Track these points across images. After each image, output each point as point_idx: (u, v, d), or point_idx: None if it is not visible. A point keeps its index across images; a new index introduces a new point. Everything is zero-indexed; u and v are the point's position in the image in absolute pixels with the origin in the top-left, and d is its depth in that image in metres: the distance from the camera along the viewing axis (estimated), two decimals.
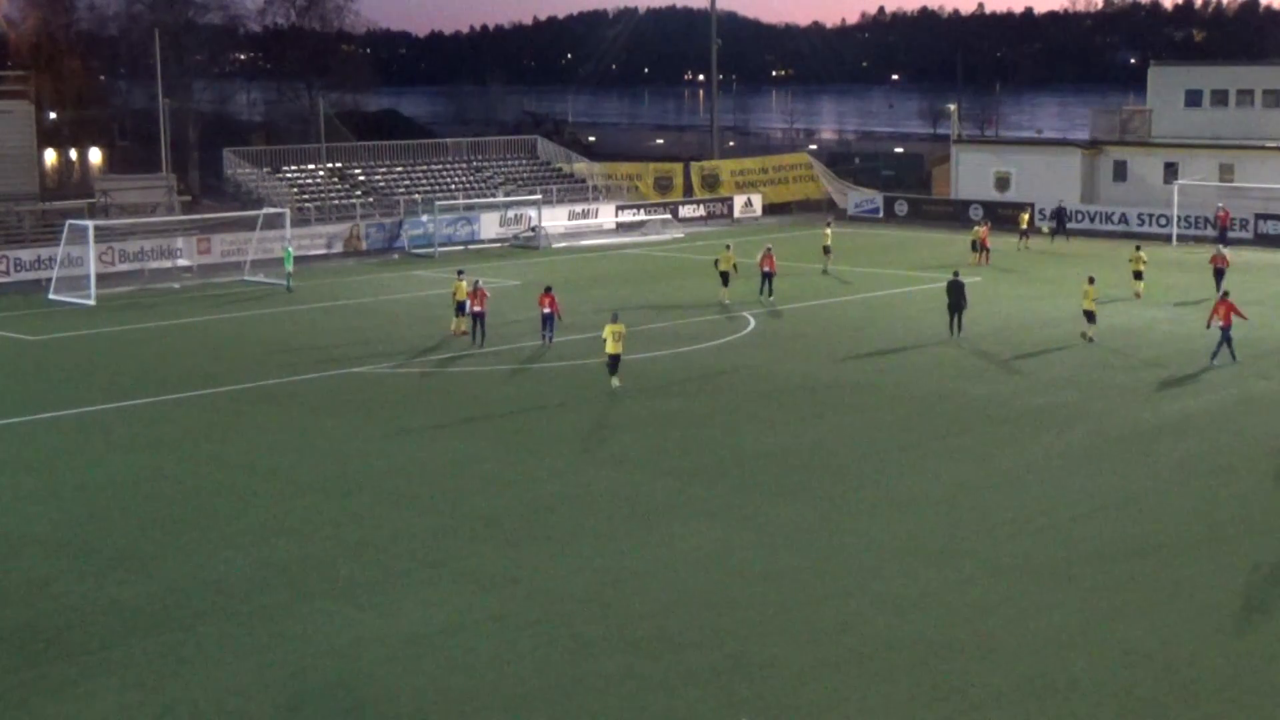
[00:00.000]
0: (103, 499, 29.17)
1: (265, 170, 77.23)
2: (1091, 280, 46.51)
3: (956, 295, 46.40)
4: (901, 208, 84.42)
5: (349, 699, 19.49)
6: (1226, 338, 41.69)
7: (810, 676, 20.15)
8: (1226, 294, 44.42)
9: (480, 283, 46.48)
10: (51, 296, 56.42)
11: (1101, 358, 42.98)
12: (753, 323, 49.12)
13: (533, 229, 74.86)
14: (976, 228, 66.27)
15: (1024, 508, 28.13)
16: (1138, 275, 53.65)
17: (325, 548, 25.86)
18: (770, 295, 53.61)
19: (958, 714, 18.96)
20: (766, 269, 54.00)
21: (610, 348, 38.83)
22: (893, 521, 27.30)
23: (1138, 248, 54.30)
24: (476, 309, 45.39)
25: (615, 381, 38.85)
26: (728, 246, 53.34)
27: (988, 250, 64.08)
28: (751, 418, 35.84)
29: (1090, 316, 45.54)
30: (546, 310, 45.20)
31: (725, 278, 52.84)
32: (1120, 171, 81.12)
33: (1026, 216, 71.95)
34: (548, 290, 45.73)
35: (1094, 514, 27.77)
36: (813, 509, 28.14)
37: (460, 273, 48.98)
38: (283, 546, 25.97)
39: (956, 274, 47.67)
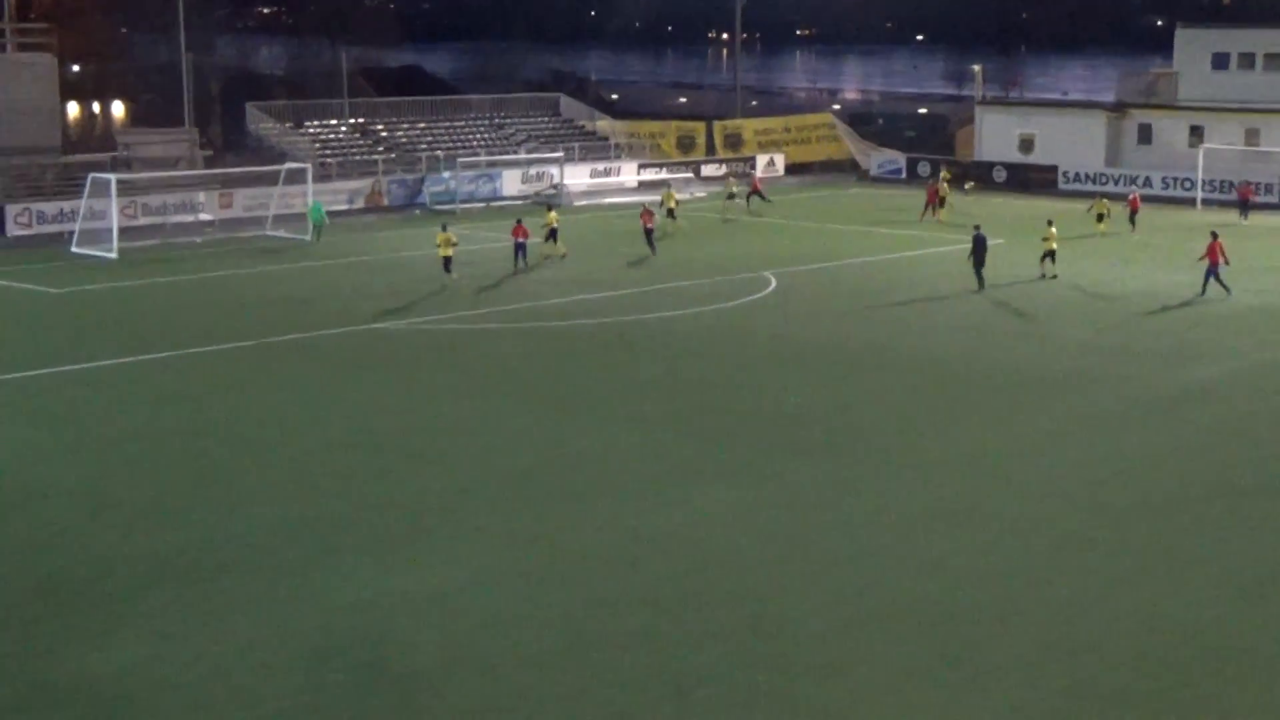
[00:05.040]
0: (127, 452, 29.30)
1: (287, 125, 77.19)
2: (1050, 223, 50.32)
3: (979, 249, 47.78)
4: (924, 169, 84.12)
5: (373, 653, 19.60)
6: (1213, 274, 45.50)
7: (831, 637, 20.21)
8: (1216, 234, 46.66)
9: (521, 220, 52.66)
10: (74, 249, 56.53)
11: (1125, 322, 42.88)
12: (774, 283, 49.05)
13: (555, 186, 74.80)
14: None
15: (1046, 471, 28.12)
16: (1049, 255, 50.05)
17: (349, 503, 25.96)
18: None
19: (978, 676, 19.00)
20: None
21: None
22: (915, 484, 27.31)
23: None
24: (520, 240, 50.95)
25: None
26: (668, 184, 52.81)
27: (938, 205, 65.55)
28: (773, 378, 35.84)
29: (1050, 256, 49.40)
30: (520, 239, 51.06)
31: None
32: (1145, 135, 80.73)
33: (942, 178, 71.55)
34: (519, 221, 52.22)
35: (1116, 478, 27.75)
36: (834, 470, 28.16)
37: (444, 226, 50.72)
38: (306, 501, 26.07)
39: (978, 228, 48.95)
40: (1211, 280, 45.78)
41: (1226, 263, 46.01)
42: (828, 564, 23.07)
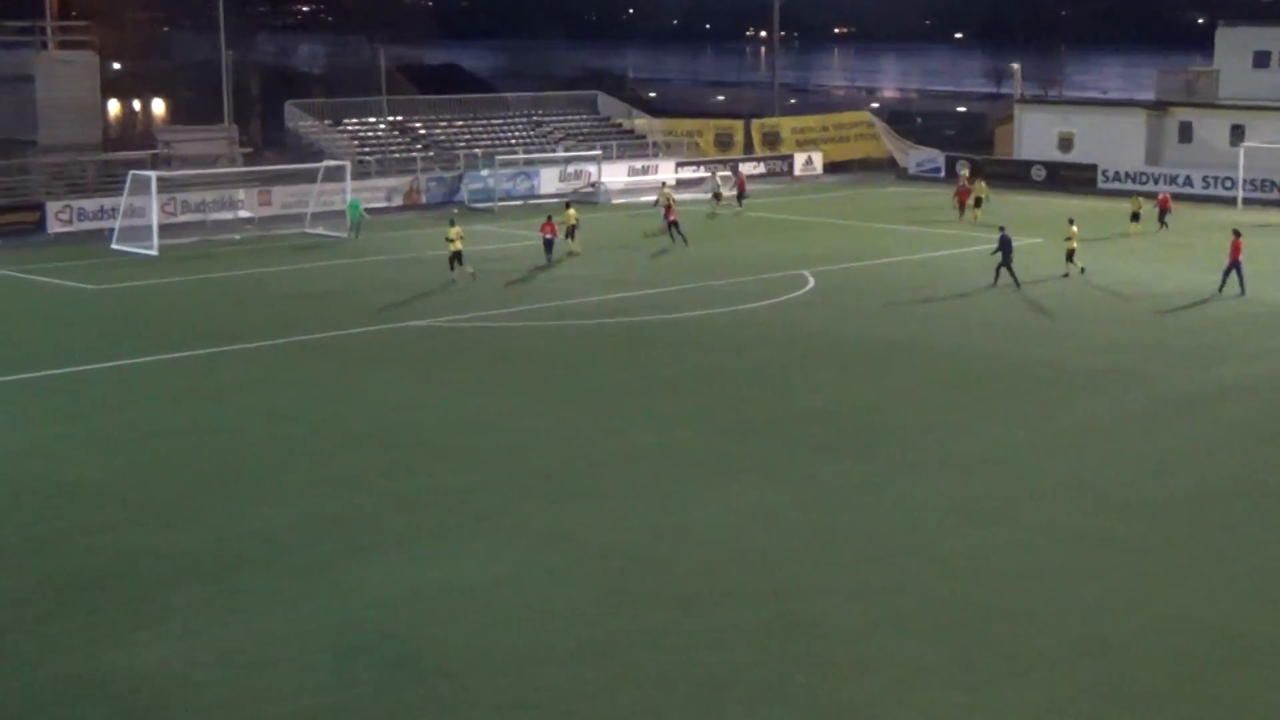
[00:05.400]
0: (157, 449, 29.43)
1: (326, 123, 77.40)
2: (1071, 222, 50.27)
3: (1005, 249, 47.87)
4: (963, 167, 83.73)
5: (399, 650, 19.64)
6: (1235, 270, 45.82)
7: (860, 636, 20.17)
8: (1238, 233, 47.05)
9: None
10: (114, 246, 56.80)
11: (1158, 321, 42.68)
12: (812, 281, 48.95)
13: (592, 184, 74.83)
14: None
15: (1077, 470, 27.99)
16: (1070, 255, 49.89)
17: (376, 500, 26.02)
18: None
19: (1005, 675, 18.93)
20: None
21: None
22: (944, 482, 27.22)
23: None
24: (548, 236, 52.00)
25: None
26: (452, 221, 52.31)
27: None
28: (804, 376, 35.79)
29: (1070, 255, 49.47)
30: (548, 236, 51.90)
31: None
32: (1185, 133, 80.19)
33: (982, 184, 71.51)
34: (549, 218, 53.13)
35: (1148, 477, 27.61)
36: (864, 468, 28.09)
37: (452, 221, 51.33)
38: (334, 498, 26.14)
39: (1003, 229, 48.96)
40: (1233, 276, 46.02)
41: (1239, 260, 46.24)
42: (856, 562, 23.03)
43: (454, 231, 48.92)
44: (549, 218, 53.55)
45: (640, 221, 65.69)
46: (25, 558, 23.25)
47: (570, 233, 54.37)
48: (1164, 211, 61.91)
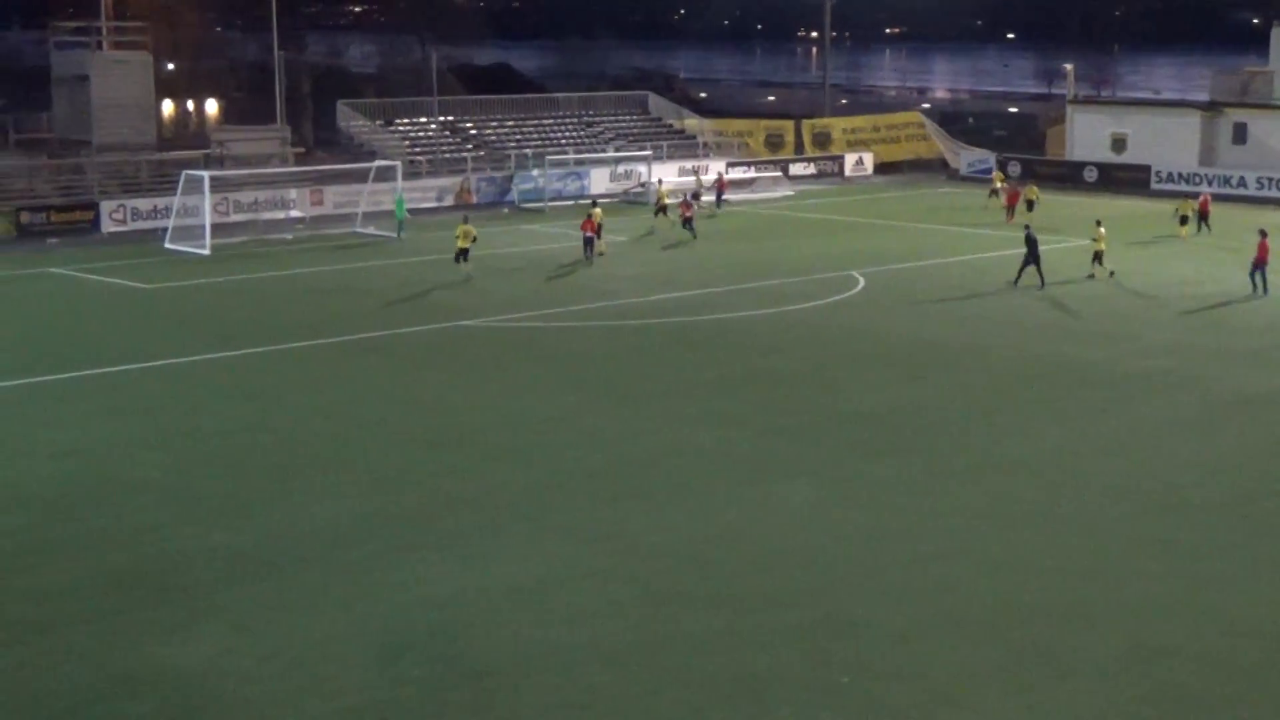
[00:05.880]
0: (210, 446, 29.64)
1: (377, 123, 77.70)
2: (1099, 223, 50.18)
3: (1032, 248, 48.03)
4: (1014, 168, 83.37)
5: (447, 649, 19.72)
6: (1259, 271, 46.20)
7: (907, 638, 20.13)
8: (1264, 233, 47.15)
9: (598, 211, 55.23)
10: (167, 245, 57.19)
11: (1206, 323, 42.42)
12: (862, 282, 48.85)
13: (642, 185, 74.84)
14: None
15: (1126, 473, 27.84)
16: (1098, 257, 49.71)
17: (425, 499, 26.13)
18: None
19: (1054, 679, 18.86)
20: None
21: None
22: (993, 484, 27.14)
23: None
24: (588, 234, 52.90)
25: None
26: (465, 219, 52.15)
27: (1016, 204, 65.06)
28: (852, 377, 35.72)
29: (1098, 257, 49.32)
30: (588, 234, 52.93)
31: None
32: (1240, 134, 79.59)
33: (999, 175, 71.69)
34: (589, 215, 53.93)
35: (1198, 481, 27.44)
36: (912, 470, 28.03)
37: (465, 218, 52.15)
38: (383, 497, 26.27)
39: (1028, 227, 49.66)
40: (1259, 277, 46.36)
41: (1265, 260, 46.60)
42: (904, 564, 22.98)
43: (462, 229, 49.58)
44: (589, 215, 54.16)
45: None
46: (80, 553, 23.46)
47: (597, 232, 54.51)
48: (1204, 214, 61.37)
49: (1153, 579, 22.39)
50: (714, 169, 76.46)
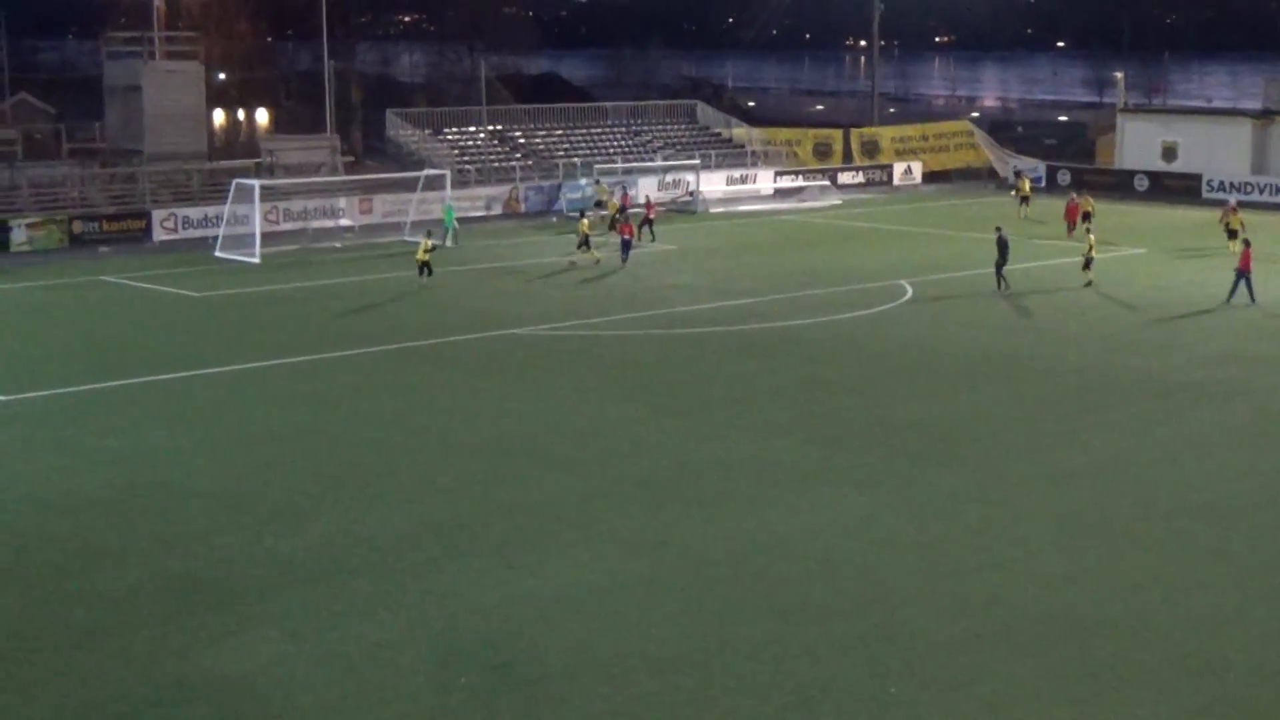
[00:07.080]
0: (261, 454, 29.78)
1: (426, 132, 78.01)
2: (1089, 229, 52.25)
3: (1002, 251, 48.66)
4: (1064, 177, 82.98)
5: (497, 657, 19.76)
6: (1243, 280, 45.79)
7: (958, 648, 20.04)
8: (1248, 242, 47.27)
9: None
10: (218, 254, 57.52)
11: (1262, 332, 42.09)
12: (910, 291, 48.72)
13: (690, 194, 74.87)
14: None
15: (1181, 484, 27.66)
16: (1232, 234, 52.33)
17: (476, 507, 26.18)
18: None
19: (1108, 691, 18.74)
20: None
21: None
22: (1045, 494, 27.00)
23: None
24: (625, 236, 54.10)
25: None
26: (429, 234, 51.92)
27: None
28: (903, 386, 35.60)
29: (1088, 264, 49.39)
30: (625, 236, 54.10)
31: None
32: None
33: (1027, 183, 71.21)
34: (627, 220, 56.07)
35: (1254, 492, 27.22)
36: (963, 480, 27.91)
37: (428, 233, 52.33)
38: (434, 505, 26.34)
39: (999, 229, 49.88)
40: (1240, 286, 45.97)
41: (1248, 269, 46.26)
42: (955, 574, 22.88)
43: (426, 244, 50.06)
44: (627, 219, 55.44)
45: (741, 230, 65.70)
46: (135, 559, 23.60)
47: (584, 241, 55.01)
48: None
49: (1208, 590, 22.23)
50: (644, 189, 71.97)
